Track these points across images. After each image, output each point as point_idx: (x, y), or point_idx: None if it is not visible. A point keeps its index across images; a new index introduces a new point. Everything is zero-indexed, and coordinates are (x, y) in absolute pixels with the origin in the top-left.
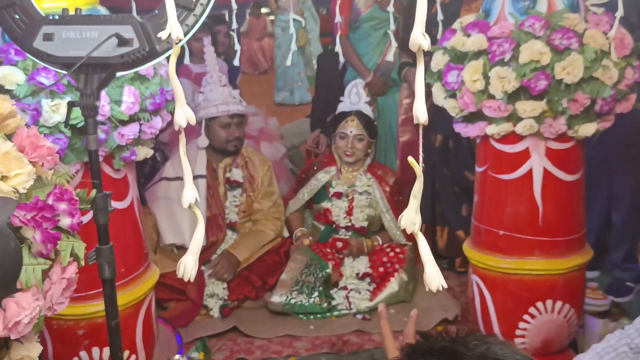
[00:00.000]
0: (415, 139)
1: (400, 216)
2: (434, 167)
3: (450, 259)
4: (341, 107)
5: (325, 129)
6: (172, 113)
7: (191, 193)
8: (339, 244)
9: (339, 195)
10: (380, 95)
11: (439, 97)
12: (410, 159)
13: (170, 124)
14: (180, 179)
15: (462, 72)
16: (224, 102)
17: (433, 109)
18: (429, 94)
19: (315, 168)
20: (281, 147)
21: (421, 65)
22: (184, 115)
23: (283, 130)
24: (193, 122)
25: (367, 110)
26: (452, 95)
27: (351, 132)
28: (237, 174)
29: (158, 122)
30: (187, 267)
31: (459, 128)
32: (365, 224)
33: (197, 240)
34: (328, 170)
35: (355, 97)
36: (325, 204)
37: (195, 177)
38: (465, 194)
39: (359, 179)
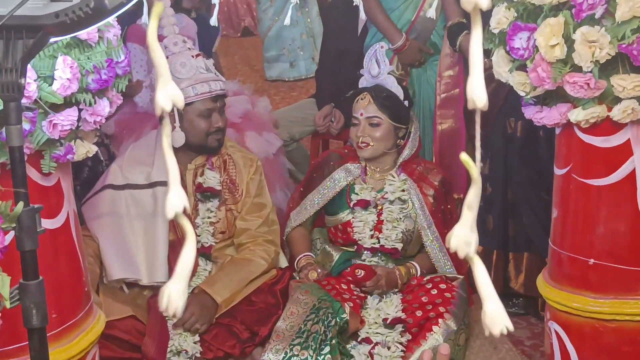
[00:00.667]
0: (459, 128)
1: (448, 234)
2: (506, 168)
3: (528, 299)
4: (360, 84)
5: (341, 106)
6: (123, 93)
7: (179, 199)
8: (359, 273)
9: (364, 204)
10: (414, 66)
11: (502, 68)
12: (464, 156)
13: (121, 109)
14: (132, 186)
15: (535, 34)
16: (203, 79)
17: (501, 87)
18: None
19: (331, 163)
20: (275, 139)
21: (478, 29)
22: (168, 96)
23: (278, 115)
24: (180, 105)
25: (391, 84)
26: (521, 66)
27: (361, 114)
28: (212, 179)
29: (104, 107)
30: (173, 296)
31: (530, 113)
32: (399, 244)
33: (187, 261)
34: (349, 168)
35: (374, 67)
36: (345, 217)
37: (152, 184)
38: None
39: (389, 181)
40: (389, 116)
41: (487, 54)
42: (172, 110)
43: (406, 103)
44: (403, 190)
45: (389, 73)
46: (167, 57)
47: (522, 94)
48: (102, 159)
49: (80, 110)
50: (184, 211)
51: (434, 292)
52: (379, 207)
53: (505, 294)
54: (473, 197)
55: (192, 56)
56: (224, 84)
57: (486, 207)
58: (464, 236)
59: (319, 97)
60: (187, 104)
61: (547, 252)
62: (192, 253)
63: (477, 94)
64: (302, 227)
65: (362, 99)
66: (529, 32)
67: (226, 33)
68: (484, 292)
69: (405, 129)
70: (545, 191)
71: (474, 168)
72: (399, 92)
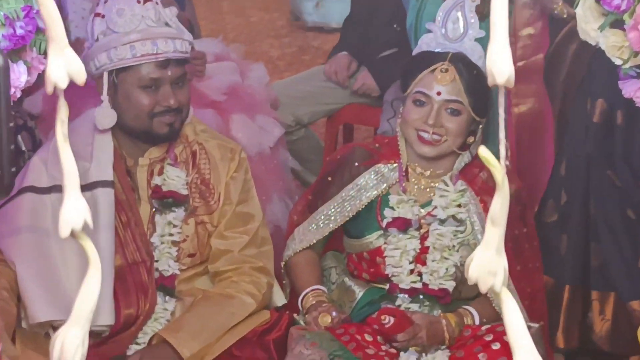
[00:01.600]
0: (544, 110)
1: (468, 259)
2: (588, 166)
3: (617, 358)
4: (424, 44)
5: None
6: (46, 56)
7: (75, 209)
8: (387, 320)
9: (402, 224)
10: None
11: (589, 25)
12: (484, 151)
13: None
14: (62, 189)
15: None
16: (148, 35)
17: (585, 52)
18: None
19: (355, 164)
20: (274, 125)
21: None
22: (63, 67)
23: (279, 89)
24: (81, 79)
25: (478, 56)
26: (616, 23)
27: (439, 92)
28: (175, 180)
29: (19, 74)
30: (68, 346)
31: (630, 90)
32: (449, 283)
33: (88, 296)
34: (381, 170)
35: (457, 25)
36: (374, 241)
37: (90, 185)
38: None
39: (441, 191)
40: (473, 104)
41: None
42: (93, 78)
43: (490, 88)
44: (459, 206)
45: (476, 39)
46: (106, 1)
47: (617, 61)
48: (24, 148)
49: None
50: (84, 226)
51: (496, 346)
52: (424, 229)
53: (585, 349)
54: (498, 209)
55: (138, 1)
56: (186, 44)
57: (560, 223)
58: (488, 262)
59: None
60: (122, 69)
61: (631, 294)
62: (95, 285)
63: (498, 66)
64: (310, 250)
65: (442, 71)
66: None
67: None
68: (514, 340)
69: (479, 123)
70: (632, 207)
71: (498, 168)
72: (484, 70)
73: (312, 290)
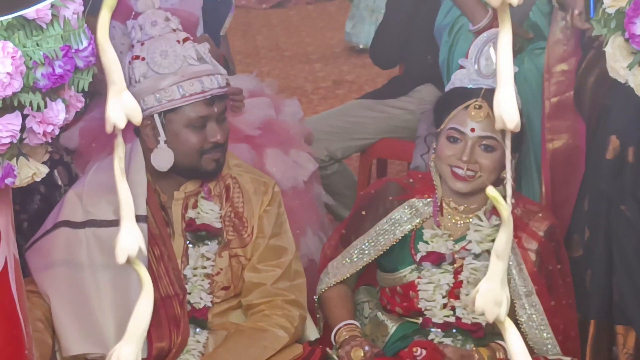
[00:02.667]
0: (578, 146)
1: (474, 291)
2: (607, 203)
3: None
4: (457, 80)
5: None
6: (85, 93)
7: (131, 237)
8: (419, 352)
9: (436, 258)
10: None
11: (619, 63)
12: (491, 190)
13: (89, 113)
14: (96, 224)
15: None
16: (193, 74)
17: (602, 86)
18: (599, 57)
19: (390, 198)
20: (308, 160)
21: (507, 29)
22: (122, 108)
23: (312, 124)
24: (137, 119)
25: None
26: None
27: (473, 130)
28: (209, 213)
29: (57, 112)
30: None
31: None
32: (483, 318)
33: (142, 316)
34: (415, 205)
35: (490, 62)
36: (407, 275)
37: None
38: None
39: (475, 226)
40: (506, 139)
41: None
42: (153, 121)
43: (523, 121)
44: (494, 241)
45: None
46: (142, 44)
47: None
48: (60, 183)
49: (24, 117)
50: (139, 253)
51: None
52: (458, 264)
53: None
54: (503, 244)
55: (178, 41)
56: (225, 79)
57: (585, 258)
58: (493, 294)
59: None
60: (170, 111)
61: None
62: (148, 307)
63: (507, 112)
64: (343, 284)
65: (476, 108)
66: None
67: (245, 2)
68: None
69: (516, 159)
70: None
71: (504, 205)
72: (519, 104)
73: (345, 324)
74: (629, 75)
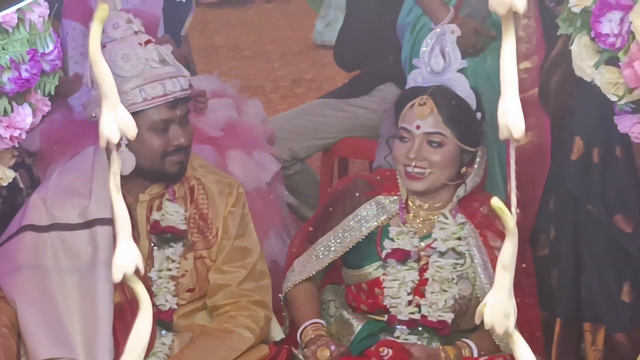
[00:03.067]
0: (544, 143)
1: (481, 305)
2: (574, 203)
3: None
4: (412, 80)
5: None
6: (50, 97)
7: (127, 254)
8: (385, 352)
9: (401, 255)
10: (468, 55)
11: (585, 62)
12: (496, 202)
13: (50, 115)
14: (62, 227)
15: (630, 15)
16: (156, 77)
17: (566, 86)
18: (563, 56)
19: (356, 194)
20: (271, 161)
21: (510, 38)
22: (115, 122)
23: (275, 124)
24: (131, 134)
25: (462, 86)
26: (611, 60)
27: (418, 126)
28: (173, 215)
29: (24, 117)
30: None
31: (626, 125)
32: (448, 315)
33: (140, 336)
34: (382, 202)
35: (438, 59)
36: (373, 272)
37: (89, 223)
38: (627, 260)
39: (440, 224)
40: (457, 134)
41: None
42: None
43: (478, 115)
44: (459, 239)
45: (459, 70)
46: (104, 46)
47: (613, 98)
48: (22, 186)
49: None
50: (136, 272)
51: None
52: (423, 262)
53: None
54: (509, 255)
55: (140, 44)
56: (186, 81)
57: (551, 257)
58: (502, 306)
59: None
60: (133, 114)
61: (617, 327)
62: (147, 325)
63: (513, 121)
64: (309, 282)
65: (420, 105)
66: (622, 11)
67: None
68: None
69: (474, 152)
70: (611, 242)
71: (509, 216)
72: (471, 99)
73: (311, 323)
74: (595, 74)
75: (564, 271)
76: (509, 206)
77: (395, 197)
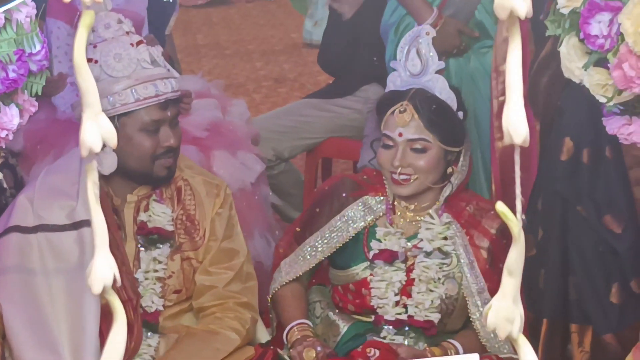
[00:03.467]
0: (531, 143)
1: (486, 307)
2: (563, 204)
3: None
4: (391, 83)
5: None
6: (37, 96)
7: (106, 267)
8: (372, 353)
9: (388, 256)
10: (451, 55)
11: (574, 63)
12: (501, 206)
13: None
14: (48, 228)
15: (619, 17)
16: (147, 78)
17: (555, 87)
18: (552, 57)
19: (343, 195)
20: (255, 162)
21: (516, 42)
22: (97, 131)
23: (259, 124)
24: (113, 143)
25: (440, 88)
26: (600, 61)
27: (400, 134)
28: (161, 216)
29: (11, 117)
30: None
31: (614, 126)
32: (435, 315)
33: (114, 350)
34: (369, 202)
35: (415, 62)
36: (360, 272)
37: (76, 224)
38: (616, 261)
39: (427, 224)
40: (440, 137)
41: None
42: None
43: (460, 115)
44: (445, 238)
45: (437, 72)
46: (95, 46)
47: (601, 99)
48: (5, 186)
49: None
50: (114, 283)
51: None
52: (410, 262)
53: None
54: (514, 260)
55: (132, 44)
56: (177, 82)
57: (538, 258)
58: (505, 311)
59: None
60: (124, 115)
61: (605, 327)
62: (122, 339)
63: (515, 126)
64: (296, 282)
65: (400, 112)
66: (611, 13)
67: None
68: None
69: (459, 152)
70: (600, 242)
71: (515, 222)
72: (451, 100)
73: (297, 324)
74: (584, 75)
75: (551, 272)
76: (514, 212)
77: (382, 198)
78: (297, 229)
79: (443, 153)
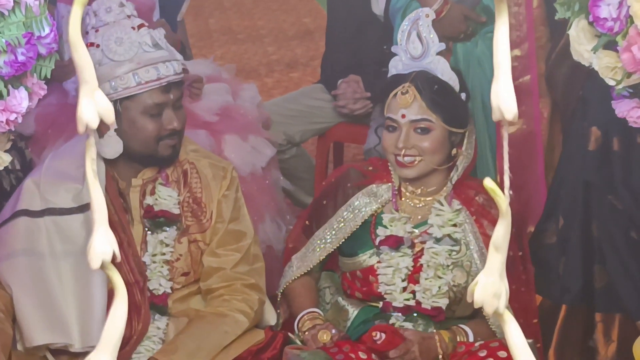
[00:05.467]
0: (534, 131)
1: (472, 284)
2: (588, 191)
3: None
4: (393, 68)
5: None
6: (46, 80)
7: (105, 242)
8: (378, 337)
9: (394, 242)
10: (458, 40)
11: (583, 46)
12: (489, 183)
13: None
14: (56, 212)
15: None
16: (149, 61)
17: (577, 78)
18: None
19: (348, 185)
20: (266, 146)
21: (503, 19)
22: (94, 108)
23: (270, 108)
24: (110, 119)
25: (442, 69)
26: (609, 44)
27: (403, 115)
28: (167, 199)
29: (21, 100)
30: None
31: (623, 109)
32: (443, 301)
33: (115, 324)
34: (374, 191)
35: (416, 44)
36: (367, 259)
37: (82, 207)
38: None
39: (437, 210)
40: (443, 118)
41: (563, 24)
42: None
43: (463, 96)
44: (455, 225)
45: (438, 53)
46: (97, 30)
47: (611, 82)
48: (18, 167)
49: None
50: (113, 259)
51: None
52: (418, 248)
53: None
54: (501, 236)
55: (133, 27)
56: (181, 65)
57: (559, 246)
58: (492, 286)
59: (325, 81)
60: (126, 98)
61: None
62: (122, 314)
63: (505, 103)
64: (307, 275)
65: (402, 94)
66: None
67: None
68: (516, 356)
69: (462, 133)
70: (635, 229)
71: (502, 198)
72: (453, 81)
73: (307, 312)
74: (593, 58)
75: (572, 260)
76: (501, 188)
77: (388, 184)
78: (306, 222)
79: (447, 134)
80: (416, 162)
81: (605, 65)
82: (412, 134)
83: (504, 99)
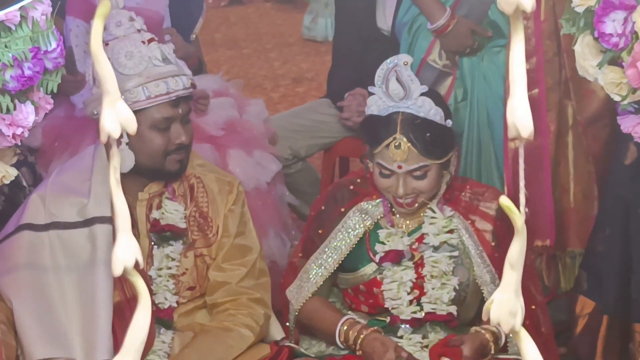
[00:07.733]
0: (541, 145)
1: (487, 302)
2: (625, 206)
3: None
4: (372, 106)
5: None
6: (53, 93)
7: (127, 248)
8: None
9: (395, 257)
10: (464, 54)
11: (588, 62)
12: (505, 201)
13: (52, 112)
14: (60, 226)
15: (634, 15)
16: (158, 75)
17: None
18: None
19: (342, 210)
20: (271, 161)
21: (519, 37)
22: (116, 118)
23: (276, 122)
24: (132, 129)
25: (427, 108)
26: (614, 60)
27: (400, 167)
28: (173, 213)
29: (27, 114)
30: None
31: (629, 124)
32: (453, 307)
33: (139, 330)
34: (364, 208)
35: (397, 89)
36: (369, 273)
37: (88, 221)
38: None
39: (428, 219)
40: (437, 157)
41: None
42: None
43: (448, 123)
44: (451, 232)
45: (422, 94)
46: (107, 44)
47: (616, 98)
48: (24, 184)
49: None
50: (136, 266)
51: None
52: (417, 257)
53: None
54: (516, 253)
55: (143, 42)
56: (189, 79)
57: (605, 255)
58: (507, 304)
59: (332, 96)
60: (135, 112)
61: None
62: (146, 320)
63: (521, 120)
64: (317, 294)
65: (395, 147)
66: (625, 11)
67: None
68: None
69: (454, 152)
70: None
71: (518, 215)
72: (440, 115)
73: (346, 319)
74: (598, 73)
75: (613, 270)
76: (516, 205)
77: (378, 200)
78: (300, 255)
79: (441, 167)
80: (417, 201)
81: (610, 80)
82: (410, 179)
83: (519, 116)
